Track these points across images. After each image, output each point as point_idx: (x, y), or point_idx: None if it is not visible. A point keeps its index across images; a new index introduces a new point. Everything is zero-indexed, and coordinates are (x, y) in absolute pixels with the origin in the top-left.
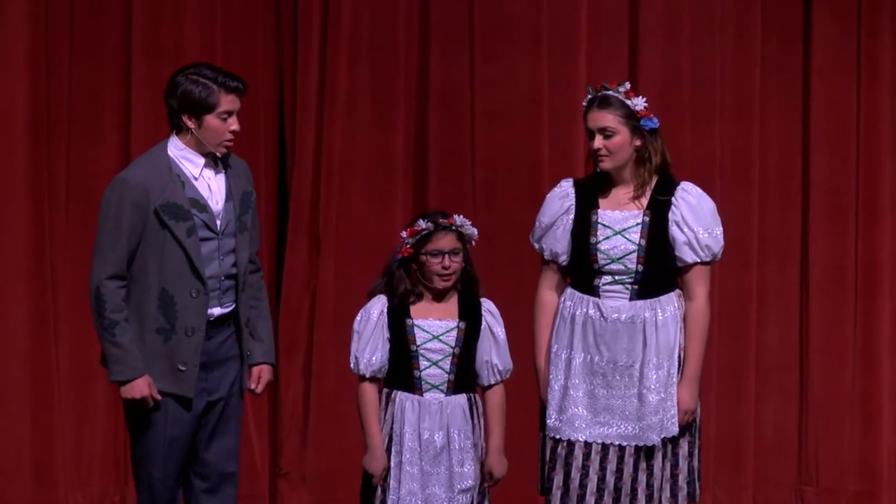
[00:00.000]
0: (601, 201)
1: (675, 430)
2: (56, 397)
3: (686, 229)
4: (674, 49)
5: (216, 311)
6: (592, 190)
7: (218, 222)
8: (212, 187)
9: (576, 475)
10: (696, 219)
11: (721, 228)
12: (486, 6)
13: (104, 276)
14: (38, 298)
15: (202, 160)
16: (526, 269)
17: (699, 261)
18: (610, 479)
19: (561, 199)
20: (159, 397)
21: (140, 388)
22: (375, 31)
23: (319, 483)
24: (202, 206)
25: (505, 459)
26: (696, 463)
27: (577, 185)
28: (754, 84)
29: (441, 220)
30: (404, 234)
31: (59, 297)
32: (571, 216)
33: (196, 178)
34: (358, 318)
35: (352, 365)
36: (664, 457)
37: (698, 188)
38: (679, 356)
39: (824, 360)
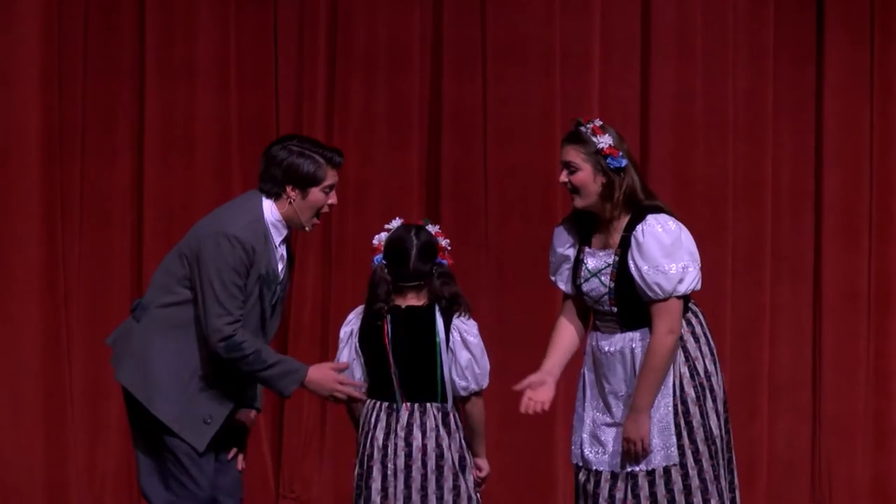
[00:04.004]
0: (593, 238)
1: (675, 458)
2: (69, 416)
3: (633, 267)
4: (686, 68)
5: None
6: (591, 224)
7: (280, 293)
8: (281, 258)
9: (590, 502)
10: (643, 256)
11: (679, 263)
12: (498, 26)
13: (228, 324)
14: (51, 317)
15: (286, 232)
16: (538, 287)
17: (652, 298)
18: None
19: (567, 231)
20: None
21: (325, 378)
22: (389, 51)
23: None
24: (276, 276)
25: None
26: (724, 483)
27: (581, 216)
28: (767, 103)
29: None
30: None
31: (72, 317)
32: (574, 251)
33: (276, 248)
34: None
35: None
36: (689, 483)
37: (658, 221)
38: (674, 384)
39: (837, 379)
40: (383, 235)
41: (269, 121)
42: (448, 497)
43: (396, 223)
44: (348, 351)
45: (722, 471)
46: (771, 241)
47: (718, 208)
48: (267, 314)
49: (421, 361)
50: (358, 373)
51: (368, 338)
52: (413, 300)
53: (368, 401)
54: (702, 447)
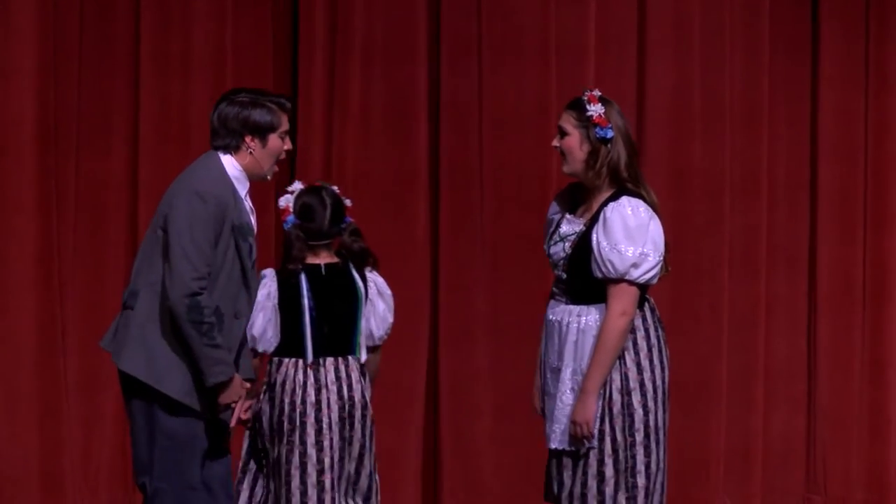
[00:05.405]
0: (578, 208)
1: (595, 442)
2: (64, 406)
3: (594, 241)
4: (683, 59)
5: None
6: (579, 195)
7: (254, 248)
8: (252, 211)
9: (549, 480)
10: (605, 233)
11: (638, 248)
12: (494, 16)
13: (195, 280)
14: (46, 308)
15: (248, 184)
16: (533, 279)
17: (604, 276)
18: (563, 483)
19: (559, 200)
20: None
21: (239, 387)
22: (386, 43)
23: None
24: (250, 229)
25: None
26: (643, 480)
27: (574, 187)
28: (763, 94)
29: None
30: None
31: (67, 308)
32: (559, 217)
33: (244, 201)
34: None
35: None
36: (604, 471)
37: (631, 204)
38: None
39: (832, 370)
40: (289, 197)
41: None
42: (367, 444)
43: (297, 186)
44: (265, 314)
45: (652, 468)
46: (766, 231)
47: (715, 200)
48: (247, 267)
49: (343, 316)
50: (270, 332)
51: (286, 297)
52: (326, 258)
53: (277, 359)
54: (619, 436)
